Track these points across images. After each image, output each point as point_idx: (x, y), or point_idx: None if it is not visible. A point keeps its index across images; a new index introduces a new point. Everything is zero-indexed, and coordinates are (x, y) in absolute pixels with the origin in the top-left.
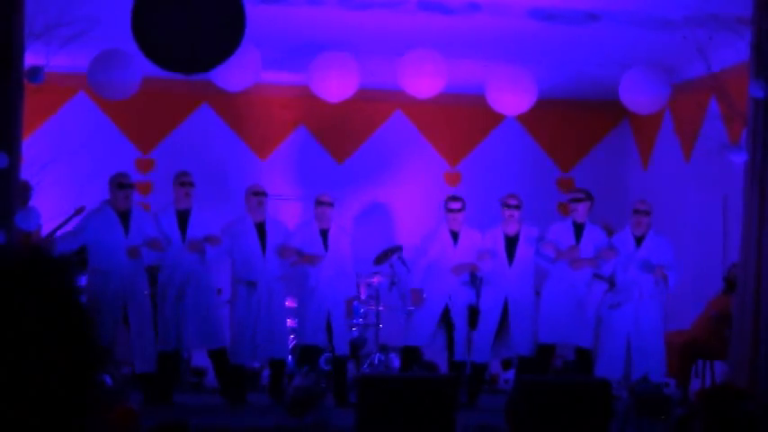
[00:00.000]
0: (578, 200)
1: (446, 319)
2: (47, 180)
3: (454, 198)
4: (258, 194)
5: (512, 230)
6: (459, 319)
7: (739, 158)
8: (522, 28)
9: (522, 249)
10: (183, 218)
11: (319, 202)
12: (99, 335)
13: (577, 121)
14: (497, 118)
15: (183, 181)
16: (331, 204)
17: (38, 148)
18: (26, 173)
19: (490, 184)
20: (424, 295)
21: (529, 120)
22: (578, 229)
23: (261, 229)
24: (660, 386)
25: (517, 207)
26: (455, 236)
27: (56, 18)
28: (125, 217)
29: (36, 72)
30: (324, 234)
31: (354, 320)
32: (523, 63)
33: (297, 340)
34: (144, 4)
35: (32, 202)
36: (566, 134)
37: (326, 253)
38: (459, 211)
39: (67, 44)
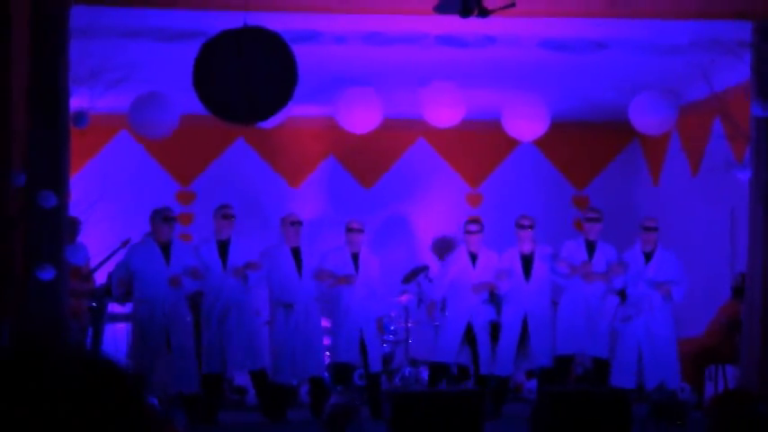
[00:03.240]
0: (593, 219)
1: (470, 335)
2: (94, 216)
3: (473, 221)
4: (294, 223)
5: (527, 249)
6: (482, 335)
7: (744, 175)
8: (535, 58)
9: (538, 266)
10: (223, 247)
11: (350, 229)
12: None
13: (590, 143)
14: (514, 142)
15: (225, 213)
16: (361, 230)
17: (84, 186)
18: (74, 209)
19: (510, 203)
20: (441, 308)
21: (544, 142)
22: (590, 247)
23: (296, 254)
24: (675, 393)
25: (531, 227)
26: (473, 257)
27: (99, 64)
28: (166, 248)
29: (81, 117)
30: (355, 257)
31: (386, 336)
32: (537, 90)
33: (331, 358)
34: (203, 60)
35: (80, 237)
36: (579, 155)
37: (358, 275)
38: (478, 233)
39: (110, 89)
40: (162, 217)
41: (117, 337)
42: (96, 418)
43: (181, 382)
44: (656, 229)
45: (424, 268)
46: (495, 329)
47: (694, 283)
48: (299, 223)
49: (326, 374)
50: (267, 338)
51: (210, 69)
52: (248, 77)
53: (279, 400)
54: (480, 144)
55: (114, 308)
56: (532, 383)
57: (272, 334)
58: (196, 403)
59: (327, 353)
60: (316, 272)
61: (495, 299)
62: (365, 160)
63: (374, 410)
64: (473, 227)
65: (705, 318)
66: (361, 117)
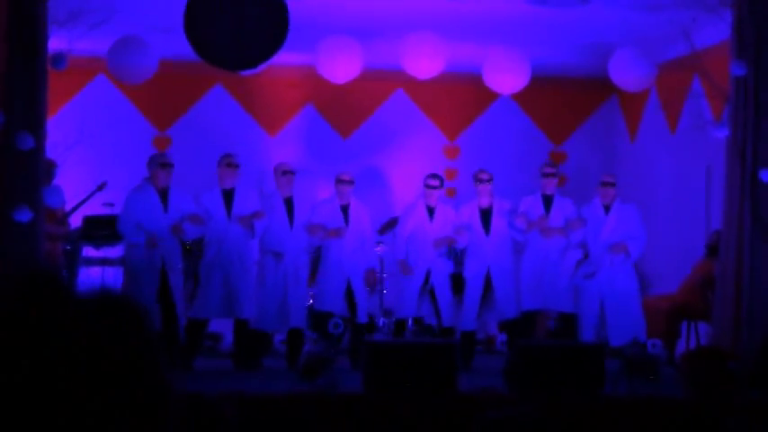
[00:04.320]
0: (550, 174)
1: (429, 289)
2: (70, 158)
3: (433, 176)
4: (287, 173)
5: (485, 203)
6: (443, 288)
7: (721, 133)
8: (516, 11)
9: (497, 220)
10: (228, 196)
11: (340, 180)
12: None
13: (568, 98)
14: (493, 95)
15: (229, 162)
16: (351, 182)
17: (60, 129)
18: (50, 152)
19: (487, 157)
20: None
21: (522, 97)
22: (547, 201)
23: (289, 204)
24: (646, 348)
25: (489, 181)
26: (431, 211)
27: (78, 6)
28: (164, 194)
29: (59, 59)
30: (344, 209)
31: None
32: (518, 44)
33: (315, 306)
34: (194, 5)
35: (57, 180)
36: (557, 110)
37: (347, 227)
38: (438, 188)
39: (89, 32)
40: (159, 163)
41: (92, 281)
42: (116, 346)
43: (167, 328)
44: (613, 184)
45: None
46: (457, 282)
47: (669, 241)
48: (292, 173)
49: (306, 324)
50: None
51: (201, 14)
52: (239, 23)
53: (257, 348)
54: (459, 97)
55: (89, 251)
56: (505, 336)
57: (260, 281)
58: (176, 349)
59: (311, 301)
60: (307, 226)
61: (453, 253)
62: (343, 110)
63: (355, 362)
64: (433, 182)
65: (679, 275)
66: (342, 66)
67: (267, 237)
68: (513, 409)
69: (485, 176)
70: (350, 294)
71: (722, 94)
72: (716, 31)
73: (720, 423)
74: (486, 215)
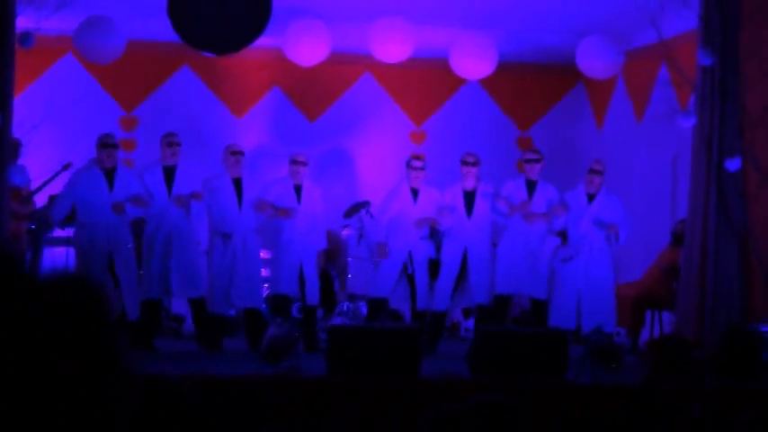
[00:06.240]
0: (533, 160)
1: (410, 273)
2: (35, 138)
3: (417, 157)
4: (236, 153)
5: (470, 186)
6: (420, 271)
7: (688, 123)
8: None
9: (480, 204)
10: (169, 174)
11: (294, 161)
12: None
13: (535, 84)
14: (460, 81)
15: (170, 141)
16: (305, 163)
17: (26, 108)
18: (16, 131)
19: (453, 142)
20: (389, 248)
21: (490, 82)
22: (531, 186)
23: (238, 184)
24: (611, 336)
25: (475, 164)
26: (415, 193)
27: None
28: (110, 175)
29: (27, 37)
30: (297, 190)
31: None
32: (485, 30)
33: (270, 290)
34: None
35: (22, 160)
36: (524, 96)
37: (300, 207)
38: (421, 169)
39: (57, 11)
40: (102, 143)
41: (56, 261)
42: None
43: (128, 308)
44: (600, 172)
45: (366, 203)
46: (434, 267)
47: (635, 229)
48: (241, 153)
49: (264, 306)
50: (205, 268)
51: None
52: (223, 7)
53: (215, 329)
54: (426, 82)
55: (54, 231)
56: (470, 322)
57: (209, 263)
58: (134, 329)
59: (266, 285)
60: (255, 202)
61: (435, 235)
62: (310, 93)
63: (309, 344)
64: (417, 163)
65: (644, 263)
66: (309, 49)
67: (215, 217)
68: (464, 402)
69: (471, 159)
70: (300, 276)
71: (689, 83)
72: (684, 19)
73: (684, 410)
74: (469, 198)
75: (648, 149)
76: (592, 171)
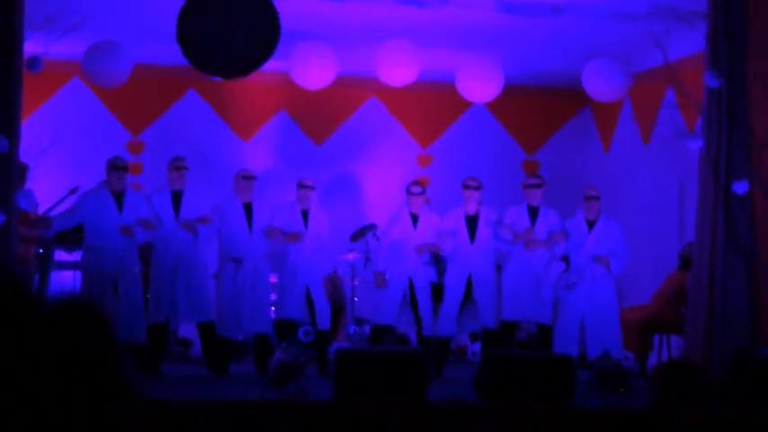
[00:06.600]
0: (534, 185)
1: (411, 298)
2: (43, 162)
3: (416, 183)
4: (248, 178)
5: (472, 210)
6: (423, 297)
7: (695, 145)
8: (490, 20)
9: (483, 228)
10: (176, 198)
11: (301, 185)
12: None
13: (542, 108)
14: (466, 104)
15: (177, 165)
16: (313, 188)
17: (34, 132)
18: (23, 155)
19: (460, 165)
20: (387, 277)
21: (496, 105)
22: (533, 213)
23: (248, 209)
24: (619, 361)
25: (477, 188)
26: (415, 218)
27: (55, 10)
28: (119, 197)
29: (35, 62)
30: (304, 214)
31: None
32: (491, 53)
33: (277, 314)
34: (187, 13)
35: (29, 184)
36: (531, 119)
37: (307, 232)
38: (420, 194)
39: (64, 36)
40: (112, 165)
41: (63, 285)
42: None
43: (129, 332)
44: (597, 198)
45: (372, 227)
46: (437, 291)
47: (642, 252)
48: (253, 178)
49: (271, 331)
50: (214, 292)
51: (194, 22)
52: (231, 31)
53: (223, 354)
54: (432, 105)
55: (61, 255)
56: (476, 346)
57: (218, 288)
58: (140, 353)
59: (273, 308)
60: (265, 229)
61: (437, 260)
62: (317, 117)
63: (321, 368)
64: (416, 188)
65: (652, 287)
66: (316, 73)
67: (226, 242)
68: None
69: (473, 183)
70: (309, 301)
71: (696, 106)
72: (690, 42)
73: None
74: (471, 222)
75: (655, 172)
76: (588, 198)
